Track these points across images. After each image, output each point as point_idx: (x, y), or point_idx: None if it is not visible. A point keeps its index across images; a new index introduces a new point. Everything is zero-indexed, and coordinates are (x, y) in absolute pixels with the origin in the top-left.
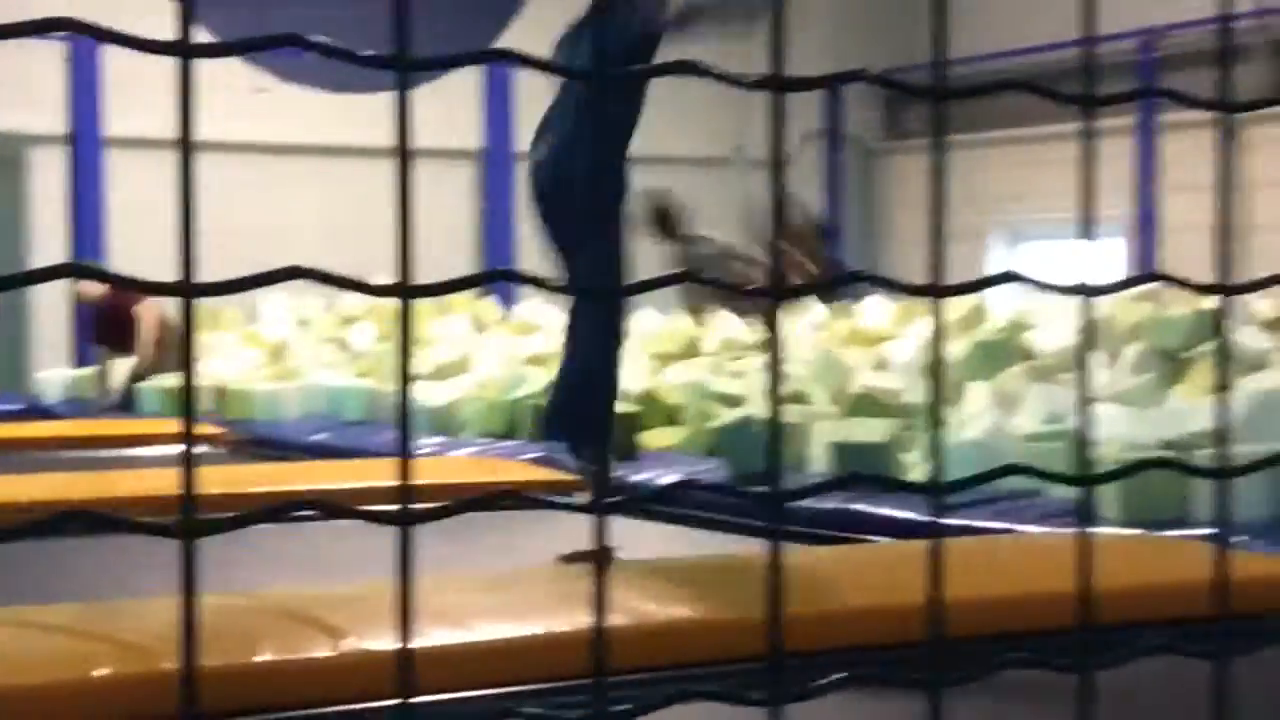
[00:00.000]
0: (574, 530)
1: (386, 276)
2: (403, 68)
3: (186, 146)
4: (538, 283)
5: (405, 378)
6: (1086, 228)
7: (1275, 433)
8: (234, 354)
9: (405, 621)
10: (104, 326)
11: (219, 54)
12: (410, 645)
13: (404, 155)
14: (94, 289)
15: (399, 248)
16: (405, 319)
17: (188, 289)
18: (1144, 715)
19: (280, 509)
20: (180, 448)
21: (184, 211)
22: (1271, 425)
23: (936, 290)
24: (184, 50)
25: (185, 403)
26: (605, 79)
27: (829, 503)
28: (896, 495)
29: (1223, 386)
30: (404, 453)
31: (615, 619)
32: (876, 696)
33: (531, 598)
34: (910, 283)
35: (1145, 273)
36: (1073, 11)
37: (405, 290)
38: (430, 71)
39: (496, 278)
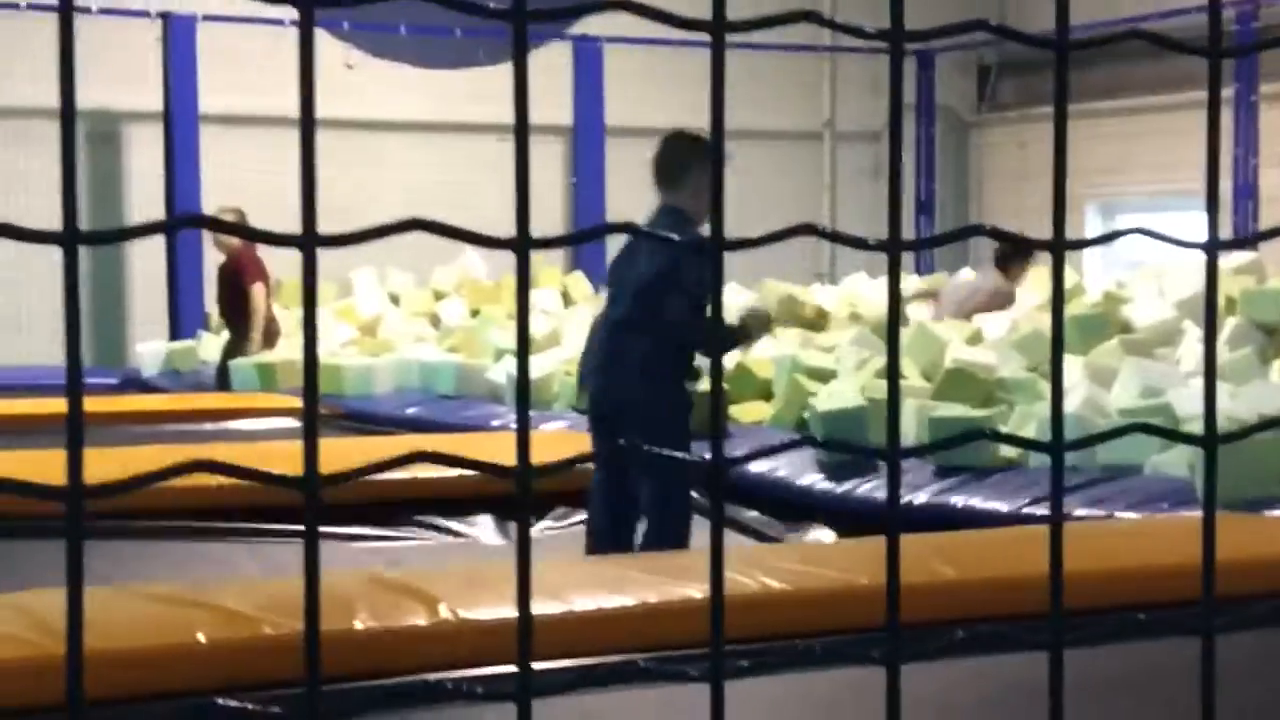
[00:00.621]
0: None
1: (476, 249)
2: (522, 17)
3: (309, 98)
4: (647, 234)
5: (524, 333)
6: (1212, 187)
7: None
8: (328, 329)
9: (523, 585)
10: (221, 290)
11: (342, 4)
12: (530, 611)
13: (523, 106)
14: (234, 241)
15: (518, 198)
16: (523, 273)
17: (309, 240)
18: (1253, 686)
19: (402, 460)
20: (276, 421)
21: (306, 162)
22: None
23: (1059, 245)
24: (306, 1)
25: (308, 363)
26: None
27: (921, 496)
28: (988, 487)
29: None
30: (522, 411)
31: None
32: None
33: (623, 569)
34: (1037, 238)
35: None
36: None
37: (523, 242)
38: (533, 37)
39: (616, 230)
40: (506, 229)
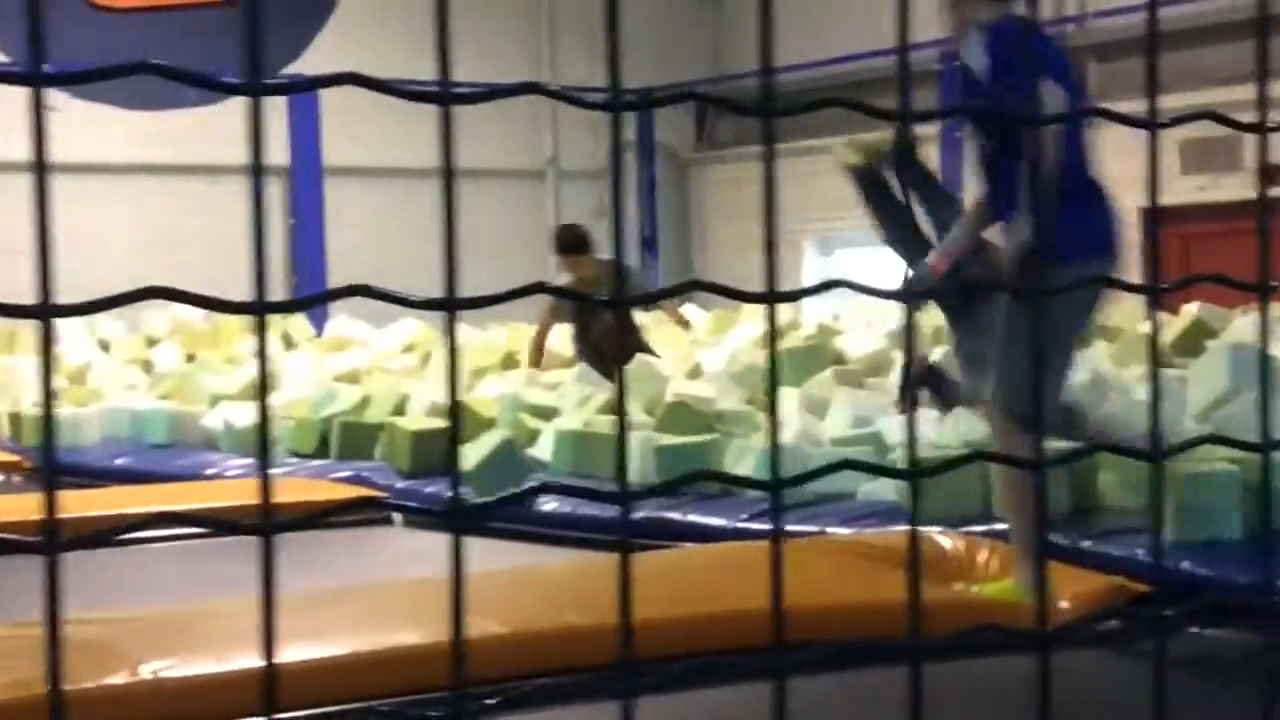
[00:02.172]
0: (381, 547)
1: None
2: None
3: (41, 166)
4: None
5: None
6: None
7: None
8: (29, 378)
9: (268, 636)
10: None
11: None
12: (275, 660)
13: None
14: None
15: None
16: (46, 341)
17: (45, 311)
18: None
19: (144, 522)
20: None
21: (40, 232)
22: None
23: (771, 297)
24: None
25: (46, 427)
26: None
27: (641, 511)
28: (705, 502)
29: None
30: (264, 467)
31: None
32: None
33: (372, 612)
34: (746, 290)
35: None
36: (872, 24)
37: (47, 310)
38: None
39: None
40: (214, 272)
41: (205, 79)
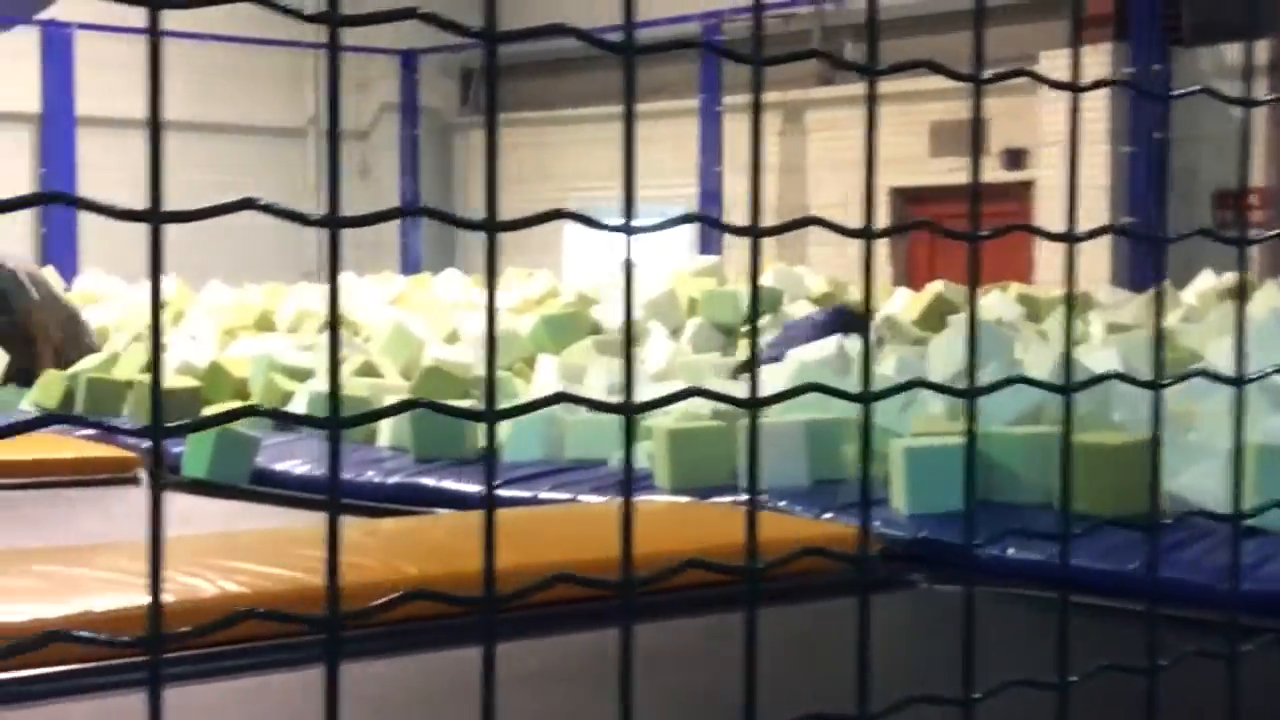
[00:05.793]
0: (129, 505)
1: None
2: None
3: None
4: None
5: None
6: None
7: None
8: None
9: None
10: None
11: None
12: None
13: None
14: None
15: None
16: None
17: None
18: (697, 669)
19: None
20: None
21: None
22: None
23: (628, 229)
24: None
25: None
26: None
27: (395, 477)
28: (460, 470)
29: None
30: None
31: (174, 594)
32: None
33: (82, 576)
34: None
35: (708, 241)
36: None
37: None
38: None
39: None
40: None
41: None
